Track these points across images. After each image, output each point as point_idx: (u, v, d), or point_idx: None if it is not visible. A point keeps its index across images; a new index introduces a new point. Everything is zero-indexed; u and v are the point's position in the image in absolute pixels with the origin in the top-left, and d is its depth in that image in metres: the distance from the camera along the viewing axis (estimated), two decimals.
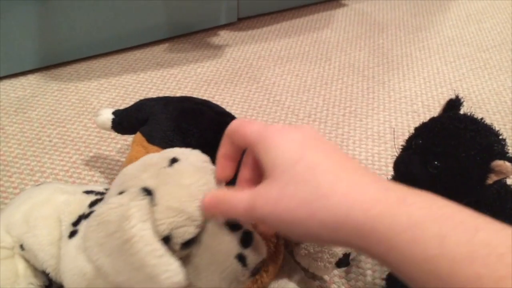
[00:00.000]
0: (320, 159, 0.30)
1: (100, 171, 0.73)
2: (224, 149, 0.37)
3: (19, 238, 0.47)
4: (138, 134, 0.60)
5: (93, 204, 0.47)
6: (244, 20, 1.22)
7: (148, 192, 0.36)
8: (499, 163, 0.43)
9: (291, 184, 0.29)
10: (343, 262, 0.50)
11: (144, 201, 0.35)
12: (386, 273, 0.57)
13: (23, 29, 0.90)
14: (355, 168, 0.30)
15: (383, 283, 0.57)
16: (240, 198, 0.32)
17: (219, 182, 0.39)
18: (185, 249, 0.37)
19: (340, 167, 0.29)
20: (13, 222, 0.48)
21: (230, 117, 0.64)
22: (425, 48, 1.14)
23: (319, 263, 0.50)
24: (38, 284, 0.48)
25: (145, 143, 0.58)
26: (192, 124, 0.59)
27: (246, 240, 0.38)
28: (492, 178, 0.44)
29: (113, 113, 0.65)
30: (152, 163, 0.39)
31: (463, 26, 1.25)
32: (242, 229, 0.38)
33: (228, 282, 0.38)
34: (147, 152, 0.57)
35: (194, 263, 0.37)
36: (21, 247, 0.47)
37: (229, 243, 0.37)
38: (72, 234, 0.44)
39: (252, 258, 0.38)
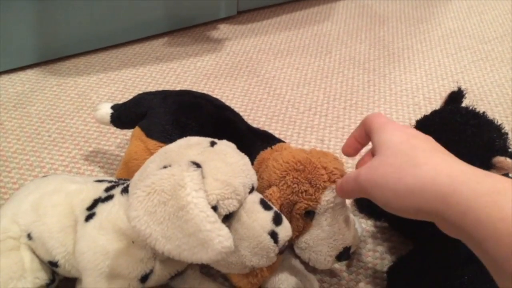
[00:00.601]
0: (422, 143, 0.35)
1: (99, 166, 0.73)
2: (356, 132, 0.44)
3: (27, 227, 0.47)
4: (137, 129, 0.60)
5: (109, 188, 0.48)
6: (243, 13, 1.21)
7: (197, 165, 0.39)
8: (500, 159, 0.43)
9: (392, 156, 0.35)
10: (344, 255, 0.50)
11: (196, 172, 0.38)
12: (388, 266, 0.57)
13: (21, 24, 0.89)
14: (451, 155, 0.34)
15: (385, 276, 0.57)
16: (351, 173, 0.39)
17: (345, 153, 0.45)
18: (225, 222, 0.39)
19: (437, 151, 0.35)
20: (21, 211, 0.48)
21: (229, 111, 0.63)
22: (426, 40, 1.13)
23: (319, 257, 0.49)
24: (44, 279, 0.48)
25: (144, 137, 0.58)
26: (190, 118, 0.58)
27: (278, 219, 0.42)
28: None
29: (112, 107, 0.65)
30: (194, 142, 0.43)
31: (465, 18, 1.24)
32: (273, 209, 0.43)
33: (258, 257, 0.42)
34: (146, 147, 0.57)
35: None
36: (29, 236, 0.47)
37: (263, 220, 0.41)
38: (89, 217, 0.45)
39: (283, 235, 0.42)
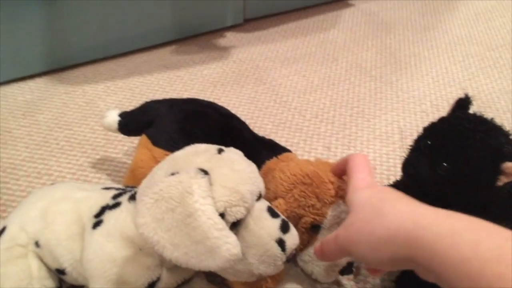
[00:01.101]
0: (388, 195, 0.38)
1: (107, 174, 0.73)
2: (341, 161, 0.48)
3: (35, 235, 0.48)
4: (144, 137, 0.60)
5: (117, 196, 0.48)
6: (250, 21, 1.22)
7: (205, 172, 0.39)
8: (509, 166, 0.42)
9: (362, 211, 0.37)
10: (346, 270, 0.50)
11: (204, 179, 0.38)
12: (395, 275, 0.57)
13: (30, 32, 0.90)
14: (415, 201, 0.36)
15: (393, 285, 0.57)
16: (330, 235, 0.40)
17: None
18: (233, 229, 0.39)
19: (402, 198, 0.37)
20: (29, 218, 0.48)
21: (235, 120, 0.64)
22: (433, 48, 1.12)
23: (322, 271, 0.49)
24: (51, 286, 0.48)
25: (150, 146, 0.58)
26: (196, 126, 0.59)
27: (285, 227, 0.42)
28: (502, 180, 0.44)
29: (120, 115, 0.65)
30: (201, 150, 0.43)
31: (472, 25, 1.24)
32: (280, 217, 0.43)
33: (266, 265, 0.42)
34: (152, 155, 0.57)
35: None
36: (36, 244, 0.47)
37: (271, 228, 0.41)
38: (96, 224, 0.45)
39: (290, 243, 0.42)
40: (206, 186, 0.37)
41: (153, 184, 0.39)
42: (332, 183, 0.48)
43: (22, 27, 0.89)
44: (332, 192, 0.48)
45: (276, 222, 0.42)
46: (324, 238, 0.42)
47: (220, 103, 0.65)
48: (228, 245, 0.36)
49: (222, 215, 0.38)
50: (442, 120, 0.49)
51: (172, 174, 0.39)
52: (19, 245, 0.47)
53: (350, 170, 0.43)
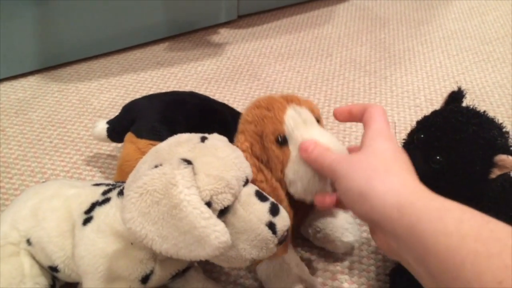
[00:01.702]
0: (403, 159, 0.38)
1: (100, 171, 0.73)
2: (355, 108, 0.44)
3: (26, 233, 0.47)
4: (128, 133, 0.61)
5: (106, 192, 0.48)
6: (244, 17, 1.22)
7: (188, 162, 0.38)
8: (502, 158, 0.43)
9: (373, 157, 0.37)
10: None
11: (187, 169, 0.37)
12: (390, 268, 0.57)
13: (23, 30, 0.90)
14: (417, 180, 0.36)
15: (387, 278, 0.57)
16: (333, 154, 0.41)
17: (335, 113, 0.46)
18: (221, 217, 0.39)
19: (410, 171, 0.37)
20: (20, 217, 0.48)
21: (214, 102, 0.65)
22: (427, 42, 1.13)
23: (302, 190, 0.47)
24: (44, 284, 0.48)
25: (134, 139, 0.59)
26: (176, 113, 0.59)
27: (275, 209, 0.42)
28: (495, 173, 0.44)
29: (107, 122, 0.66)
30: (184, 139, 0.42)
31: (466, 19, 1.24)
32: (269, 200, 0.42)
33: (258, 249, 0.41)
34: (137, 147, 0.58)
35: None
36: (28, 241, 0.47)
37: (260, 212, 0.41)
38: (87, 221, 0.45)
39: (280, 225, 0.41)
40: (189, 176, 0.37)
41: (138, 178, 0.39)
42: (283, 98, 0.48)
43: (15, 25, 0.88)
44: (284, 102, 0.47)
45: (265, 206, 0.41)
46: (326, 151, 0.42)
47: (214, 99, 0.65)
48: (216, 233, 0.36)
49: (209, 204, 0.38)
50: (435, 113, 0.49)
51: (156, 166, 0.39)
52: (11, 243, 0.47)
53: (371, 117, 0.42)
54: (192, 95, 0.65)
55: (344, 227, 0.57)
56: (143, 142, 0.57)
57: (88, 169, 0.73)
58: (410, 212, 0.31)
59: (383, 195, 0.33)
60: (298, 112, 0.46)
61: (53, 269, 0.48)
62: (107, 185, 0.50)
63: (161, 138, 0.56)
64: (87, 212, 0.46)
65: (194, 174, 0.38)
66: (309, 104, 0.49)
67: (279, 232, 0.41)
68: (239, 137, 0.47)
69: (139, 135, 0.59)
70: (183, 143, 0.42)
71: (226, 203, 0.39)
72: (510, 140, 0.46)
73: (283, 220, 0.42)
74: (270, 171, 0.47)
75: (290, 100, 0.47)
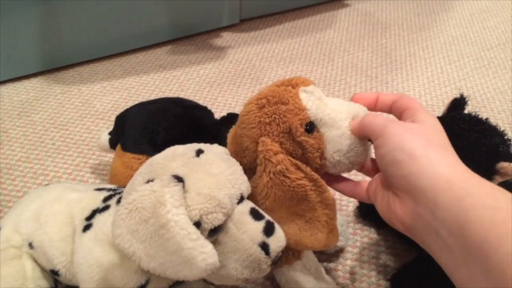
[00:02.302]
0: (443, 132, 0.38)
1: (103, 174, 0.73)
2: (383, 97, 0.43)
3: (28, 236, 0.47)
4: (118, 145, 0.61)
5: (107, 199, 0.48)
6: (246, 21, 1.22)
7: (179, 179, 0.37)
8: (504, 165, 0.43)
9: (428, 129, 0.36)
10: None
11: (177, 187, 0.36)
12: (391, 274, 0.57)
13: (25, 32, 0.90)
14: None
15: (388, 284, 0.57)
16: (385, 119, 0.38)
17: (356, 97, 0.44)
18: (212, 236, 0.38)
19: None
20: (23, 220, 0.48)
21: (196, 109, 0.65)
22: (428, 48, 1.13)
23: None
24: (46, 287, 0.48)
25: (120, 152, 0.60)
26: (157, 123, 0.59)
27: (269, 229, 0.40)
28: (497, 180, 0.44)
29: (109, 133, 0.67)
30: (179, 153, 0.41)
31: (467, 25, 1.24)
32: (265, 219, 0.41)
33: (250, 270, 0.40)
34: (122, 161, 0.58)
35: (219, 250, 0.38)
36: (30, 245, 0.47)
37: (253, 231, 0.39)
38: (86, 228, 0.45)
39: (274, 246, 0.40)
40: (179, 194, 0.36)
41: (131, 191, 0.38)
42: (283, 84, 0.45)
43: (18, 27, 0.89)
44: (290, 88, 0.44)
45: (260, 225, 0.40)
46: (377, 115, 0.40)
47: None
48: (204, 254, 0.35)
49: (198, 223, 0.37)
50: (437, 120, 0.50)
51: (148, 181, 0.38)
52: (13, 246, 0.47)
53: (408, 101, 0.41)
54: (176, 103, 0.64)
55: None
56: (127, 156, 0.58)
57: (90, 171, 0.73)
58: (461, 186, 0.31)
59: (436, 164, 0.32)
60: (309, 92, 0.44)
61: (55, 273, 0.48)
62: (109, 190, 0.50)
63: (143, 151, 0.57)
64: (88, 219, 0.46)
65: (185, 192, 0.37)
66: (307, 80, 0.46)
67: (272, 253, 0.40)
68: (264, 141, 0.43)
69: (125, 148, 0.59)
70: (177, 157, 0.40)
71: (216, 223, 0.38)
72: None
73: (278, 241, 0.40)
74: (306, 164, 0.44)
75: (295, 84, 0.45)
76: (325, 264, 0.60)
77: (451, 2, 1.37)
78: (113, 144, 0.65)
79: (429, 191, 0.32)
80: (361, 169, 0.44)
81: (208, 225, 0.37)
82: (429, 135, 0.35)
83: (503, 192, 0.30)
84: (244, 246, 0.39)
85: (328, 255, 0.60)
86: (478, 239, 0.28)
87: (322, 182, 0.43)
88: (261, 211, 0.42)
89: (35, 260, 0.48)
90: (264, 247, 0.39)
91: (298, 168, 0.43)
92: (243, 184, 0.42)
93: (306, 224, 0.44)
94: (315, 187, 0.43)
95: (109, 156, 0.76)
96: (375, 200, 0.40)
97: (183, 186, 0.37)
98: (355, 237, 0.63)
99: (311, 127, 0.43)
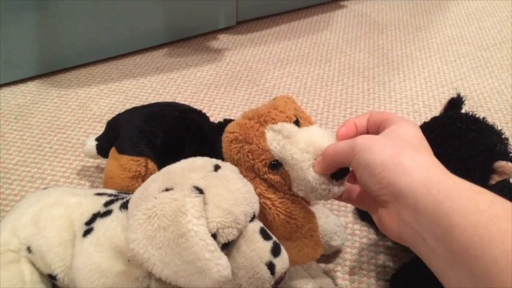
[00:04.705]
0: (426, 145, 0.37)
1: (100, 177, 0.73)
2: (358, 120, 0.42)
3: (27, 240, 0.47)
4: (112, 148, 0.61)
5: (108, 203, 0.48)
6: (243, 23, 1.22)
7: (200, 191, 0.38)
8: (501, 164, 0.43)
9: (399, 140, 0.36)
10: (339, 174, 0.44)
11: (198, 198, 0.37)
12: (391, 274, 0.57)
13: (22, 36, 0.90)
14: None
15: (387, 284, 0.57)
16: (346, 142, 0.38)
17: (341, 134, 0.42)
18: (223, 250, 0.38)
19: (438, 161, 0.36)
20: (21, 224, 0.48)
21: (194, 113, 0.65)
22: (425, 48, 1.13)
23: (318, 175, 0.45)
24: None
25: (116, 154, 0.59)
26: (155, 126, 0.59)
27: (276, 250, 0.41)
28: (495, 179, 0.44)
29: (96, 139, 0.66)
30: (198, 165, 0.42)
31: (463, 25, 1.25)
32: (272, 239, 0.42)
33: (253, 287, 0.41)
34: (119, 163, 0.58)
35: None
36: (28, 249, 0.47)
37: (262, 250, 0.40)
38: (87, 232, 0.45)
39: (280, 267, 0.41)
40: (200, 206, 0.37)
41: (146, 196, 0.38)
42: (251, 118, 0.45)
43: (14, 31, 0.88)
44: (256, 126, 0.44)
45: (268, 245, 0.41)
46: (333, 145, 0.41)
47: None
48: (219, 266, 0.36)
49: (214, 236, 0.37)
50: (434, 120, 0.50)
51: (167, 189, 0.39)
52: (11, 250, 0.47)
53: (393, 118, 0.40)
54: (171, 107, 0.64)
55: (332, 231, 0.57)
56: (124, 158, 0.57)
57: (88, 175, 0.73)
58: (439, 189, 0.30)
59: (411, 170, 0.32)
60: (277, 131, 0.44)
61: (52, 278, 0.47)
62: (109, 195, 0.50)
63: (141, 153, 0.57)
64: (88, 223, 0.45)
65: (204, 204, 0.38)
66: (283, 109, 0.46)
67: (277, 273, 0.41)
68: (241, 170, 0.45)
69: (121, 150, 0.59)
70: (196, 169, 0.41)
71: (231, 238, 0.38)
72: (509, 146, 0.46)
73: (283, 262, 0.41)
74: (280, 191, 0.46)
75: (264, 121, 0.45)
76: (324, 265, 0.59)
77: (447, 3, 1.37)
78: (101, 149, 0.65)
79: (409, 197, 0.32)
80: (349, 199, 0.44)
81: (223, 239, 0.38)
82: (398, 141, 0.35)
83: (482, 193, 0.30)
84: (252, 263, 0.40)
85: (327, 256, 0.60)
86: (463, 245, 0.28)
87: (300, 199, 0.45)
88: (269, 231, 0.42)
89: (33, 264, 0.48)
90: (271, 267, 0.40)
91: (275, 192, 0.45)
92: (255, 204, 0.43)
93: (292, 243, 0.46)
94: (296, 203, 0.45)
95: (106, 160, 0.76)
96: (369, 212, 0.40)
97: (203, 198, 0.38)
98: (354, 237, 0.63)
99: (276, 165, 0.44)
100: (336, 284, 0.57)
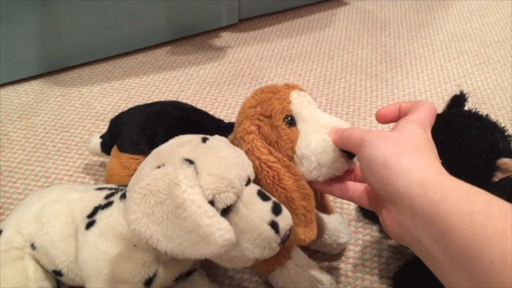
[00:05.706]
0: (434, 147, 0.38)
1: (104, 175, 0.73)
2: (404, 106, 0.43)
3: (30, 237, 0.48)
4: (114, 146, 0.62)
5: (109, 196, 0.48)
6: (245, 21, 1.22)
7: (190, 162, 0.38)
8: (505, 161, 0.43)
9: (405, 138, 0.36)
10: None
11: (190, 169, 0.38)
12: (393, 271, 0.57)
13: (25, 35, 0.90)
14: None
15: (390, 281, 0.57)
16: (361, 131, 0.39)
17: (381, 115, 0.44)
18: (223, 216, 0.39)
19: (438, 159, 0.37)
20: (24, 221, 0.48)
21: (196, 112, 0.65)
22: (428, 45, 1.13)
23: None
24: None
25: (117, 153, 0.60)
26: (156, 125, 0.60)
27: (277, 208, 0.42)
28: (498, 176, 0.44)
29: (101, 137, 0.67)
30: (186, 140, 0.42)
31: (466, 21, 1.24)
32: (272, 199, 0.42)
33: (261, 248, 0.41)
34: (120, 161, 0.59)
35: None
36: (32, 246, 0.48)
37: (263, 211, 0.41)
38: (90, 224, 0.45)
39: (283, 225, 0.41)
40: (192, 175, 0.37)
41: (140, 179, 0.39)
42: (281, 88, 0.48)
43: (17, 30, 0.89)
44: (284, 87, 0.48)
45: (268, 205, 0.41)
46: (347, 129, 0.42)
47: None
48: (221, 231, 0.36)
49: (211, 203, 0.38)
50: (437, 117, 0.50)
51: (158, 167, 0.39)
52: (15, 247, 0.47)
53: (418, 107, 0.41)
54: (174, 106, 0.65)
55: (337, 229, 0.57)
56: (124, 157, 0.58)
57: (91, 173, 0.73)
58: (435, 190, 0.30)
59: (409, 170, 0.33)
60: (301, 95, 0.47)
61: (57, 273, 0.48)
62: (110, 189, 0.50)
63: (140, 151, 0.57)
64: (89, 216, 0.46)
65: (197, 173, 0.38)
66: (304, 89, 0.50)
67: (281, 231, 0.41)
68: (244, 122, 0.46)
69: (122, 148, 0.59)
70: (184, 143, 0.42)
71: (228, 202, 0.39)
72: None
73: (286, 220, 0.42)
74: (280, 152, 0.46)
75: (292, 86, 0.48)
76: (327, 263, 0.60)
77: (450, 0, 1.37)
78: (105, 147, 0.65)
79: (406, 198, 0.32)
80: (352, 197, 0.45)
81: (221, 204, 0.38)
82: (403, 141, 0.36)
83: (478, 194, 0.30)
84: (254, 225, 0.40)
85: (330, 254, 0.60)
86: (460, 247, 0.28)
87: (296, 169, 0.45)
88: (266, 193, 0.43)
89: (38, 261, 0.48)
90: (274, 225, 0.41)
91: (271, 152, 0.45)
92: (249, 167, 0.43)
93: None
94: (289, 174, 0.45)
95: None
96: (375, 211, 0.40)
97: (195, 168, 0.38)
98: (357, 235, 0.63)
99: (291, 120, 0.46)
100: (339, 282, 0.57)
